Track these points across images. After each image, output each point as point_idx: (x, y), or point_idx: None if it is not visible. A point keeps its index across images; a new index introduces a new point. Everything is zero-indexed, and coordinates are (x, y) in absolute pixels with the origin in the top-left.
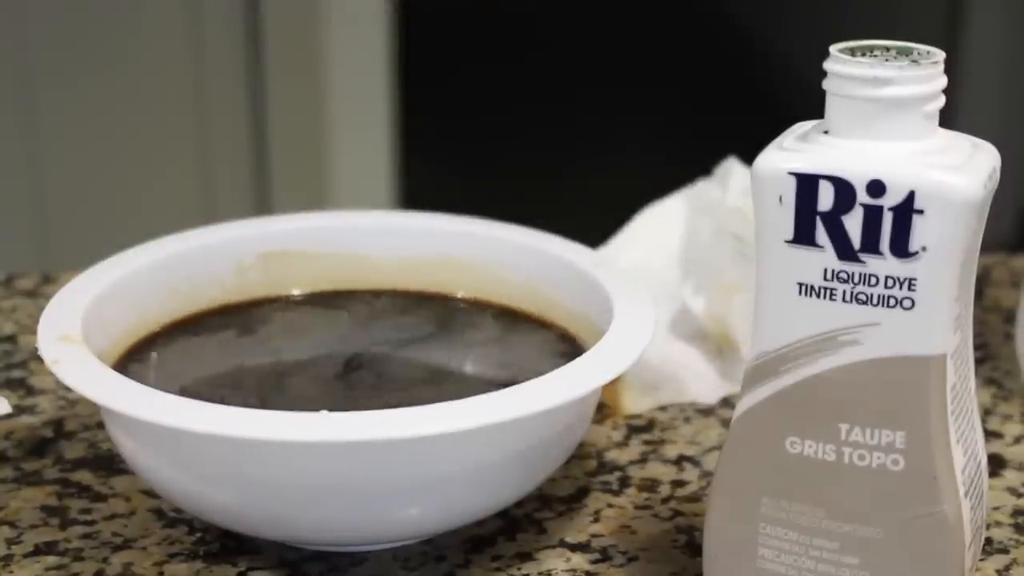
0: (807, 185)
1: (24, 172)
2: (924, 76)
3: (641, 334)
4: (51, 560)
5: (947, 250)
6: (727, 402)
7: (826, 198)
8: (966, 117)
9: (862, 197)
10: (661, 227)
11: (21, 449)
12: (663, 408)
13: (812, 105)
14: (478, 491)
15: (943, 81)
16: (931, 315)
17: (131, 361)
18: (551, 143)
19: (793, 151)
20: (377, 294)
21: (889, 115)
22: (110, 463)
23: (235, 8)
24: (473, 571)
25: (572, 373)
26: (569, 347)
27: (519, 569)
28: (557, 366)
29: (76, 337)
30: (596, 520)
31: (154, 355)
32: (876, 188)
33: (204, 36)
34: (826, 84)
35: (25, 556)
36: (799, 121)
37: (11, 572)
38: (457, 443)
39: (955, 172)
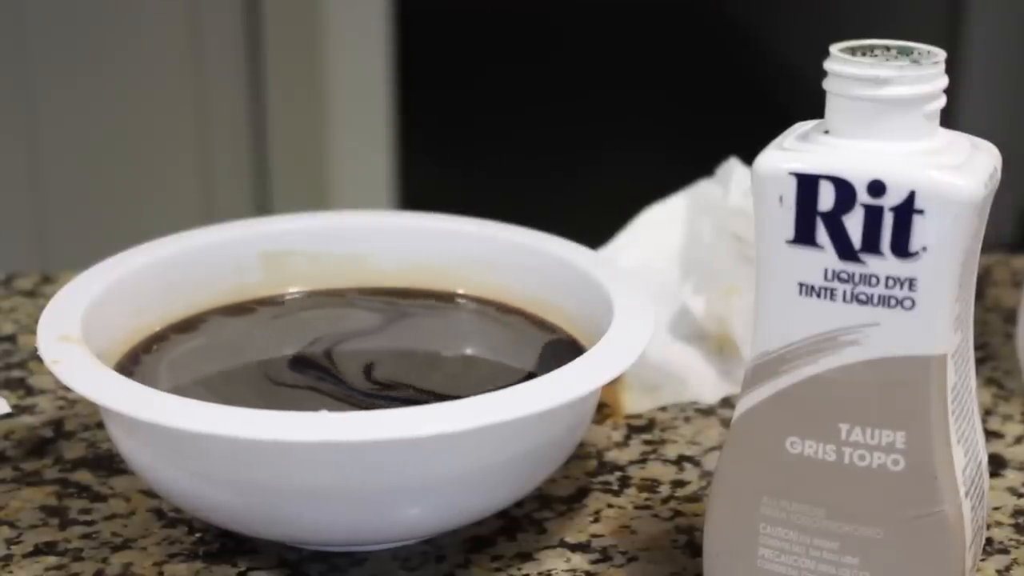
0: (807, 185)
1: (24, 172)
2: (925, 76)
3: (641, 334)
4: (51, 560)
5: (948, 250)
6: (727, 402)
7: (826, 198)
8: (966, 117)
9: (862, 197)
10: (662, 227)
11: (21, 449)
12: (663, 408)
13: (812, 105)
14: (478, 491)
15: (944, 81)
16: (932, 315)
17: (131, 361)
18: (551, 143)
19: (793, 151)
20: (377, 294)
21: (889, 115)
22: (110, 463)
23: (235, 8)
24: (473, 571)
25: (572, 373)
26: (569, 347)
27: (519, 569)
28: (557, 366)
29: (76, 337)
30: (596, 520)
31: (154, 355)
32: (876, 188)
33: (204, 36)
34: (826, 84)
35: (25, 556)
36: (799, 121)
37: (11, 572)
38: (457, 443)
39: (956, 172)
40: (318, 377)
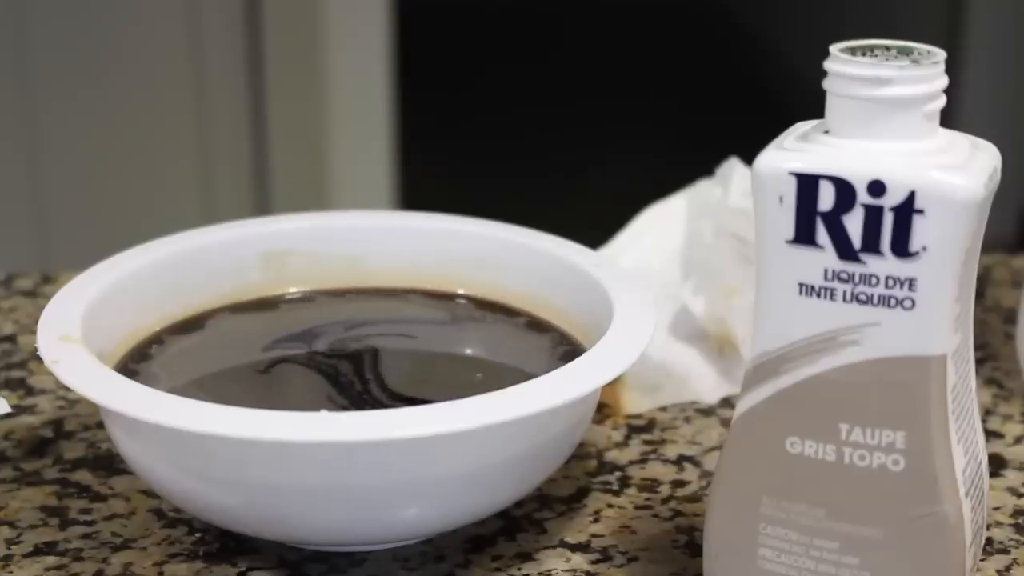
0: (807, 185)
1: (24, 172)
2: (925, 76)
3: (641, 334)
4: (51, 560)
5: (948, 250)
6: (727, 402)
7: (826, 198)
8: (966, 117)
9: (862, 197)
10: (662, 227)
11: (21, 449)
12: (663, 408)
13: (812, 105)
14: (478, 491)
15: (944, 81)
16: (932, 315)
17: (131, 361)
18: (551, 143)
19: (793, 151)
20: (377, 293)
21: (889, 115)
22: (110, 463)
23: (235, 8)
24: (473, 571)
25: (572, 373)
26: (569, 347)
27: (519, 569)
28: (557, 366)
29: (76, 337)
30: (596, 520)
31: (154, 355)
32: (876, 188)
33: (204, 36)
34: (826, 84)
35: (25, 556)
36: (799, 121)
37: (11, 572)
38: (457, 443)
39: (956, 172)
40: (289, 347)
